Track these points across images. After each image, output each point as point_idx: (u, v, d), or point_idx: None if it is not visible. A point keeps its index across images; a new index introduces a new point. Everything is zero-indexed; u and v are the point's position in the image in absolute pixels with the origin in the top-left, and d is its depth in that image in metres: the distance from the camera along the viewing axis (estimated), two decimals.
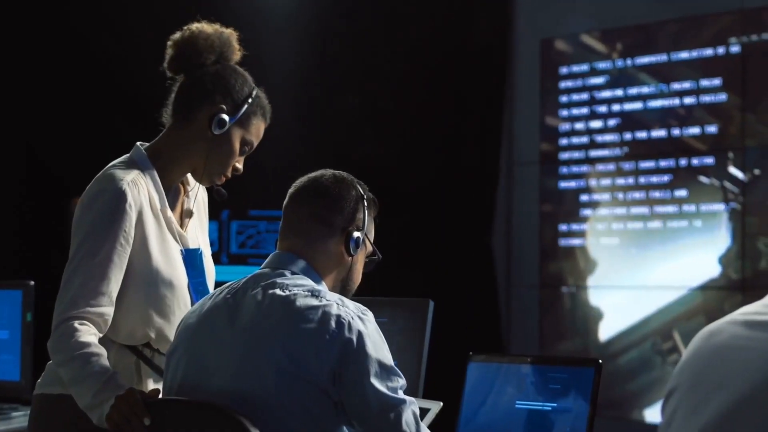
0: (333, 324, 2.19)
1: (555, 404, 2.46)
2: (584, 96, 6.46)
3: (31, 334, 3.82)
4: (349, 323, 2.20)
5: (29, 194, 6.45)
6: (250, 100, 2.66)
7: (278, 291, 2.26)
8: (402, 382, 2.24)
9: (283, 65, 6.34)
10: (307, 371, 2.17)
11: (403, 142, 6.52)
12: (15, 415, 3.63)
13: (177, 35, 2.69)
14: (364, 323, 2.22)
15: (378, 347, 2.22)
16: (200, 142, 2.65)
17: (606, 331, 6.31)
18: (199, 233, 2.76)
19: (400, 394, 2.22)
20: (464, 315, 6.16)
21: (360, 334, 2.19)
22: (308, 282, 2.30)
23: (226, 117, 2.63)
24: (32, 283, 3.86)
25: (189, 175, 2.75)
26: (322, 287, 2.33)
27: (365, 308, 2.26)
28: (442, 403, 2.65)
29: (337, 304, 2.23)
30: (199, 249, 2.71)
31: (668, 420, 1.57)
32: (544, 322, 6.57)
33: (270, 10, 6.48)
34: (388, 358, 2.23)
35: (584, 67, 6.46)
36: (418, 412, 2.25)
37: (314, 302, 2.22)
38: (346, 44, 6.57)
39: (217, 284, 2.66)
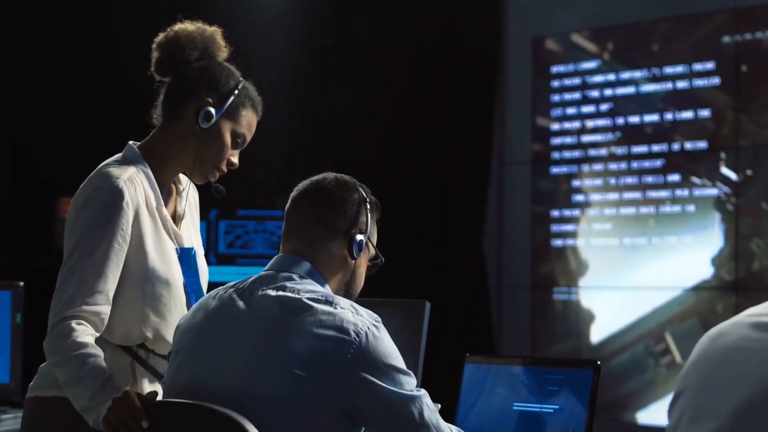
0: (349, 333, 2.19)
1: (553, 406, 2.44)
2: (576, 95, 6.45)
3: (20, 335, 3.79)
4: (366, 334, 2.20)
5: (16, 194, 6.43)
6: (236, 92, 2.65)
7: (290, 294, 2.25)
8: (414, 380, 2.26)
9: (275, 65, 6.33)
10: (318, 376, 2.17)
11: (393, 143, 6.51)
12: (4, 417, 3.60)
13: (160, 37, 2.69)
14: (379, 331, 2.23)
15: (393, 355, 2.23)
16: (190, 137, 2.64)
17: (598, 332, 6.30)
18: (192, 233, 2.74)
19: (415, 391, 2.24)
20: (455, 316, 6.15)
21: (376, 345, 2.20)
22: (319, 288, 2.30)
23: (212, 110, 2.63)
24: (21, 283, 3.83)
25: (182, 176, 2.73)
26: (327, 290, 2.33)
27: (376, 315, 2.27)
28: (439, 405, 2.63)
29: (352, 312, 2.23)
30: (193, 248, 2.70)
31: (675, 423, 1.57)
32: (536, 324, 6.55)
33: (263, 11, 6.47)
34: (402, 362, 2.25)
35: (576, 67, 6.45)
36: (430, 401, 2.27)
37: (329, 309, 2.22)
38: (336, 44, 6.56)
39: (210, 284, 2.64)
